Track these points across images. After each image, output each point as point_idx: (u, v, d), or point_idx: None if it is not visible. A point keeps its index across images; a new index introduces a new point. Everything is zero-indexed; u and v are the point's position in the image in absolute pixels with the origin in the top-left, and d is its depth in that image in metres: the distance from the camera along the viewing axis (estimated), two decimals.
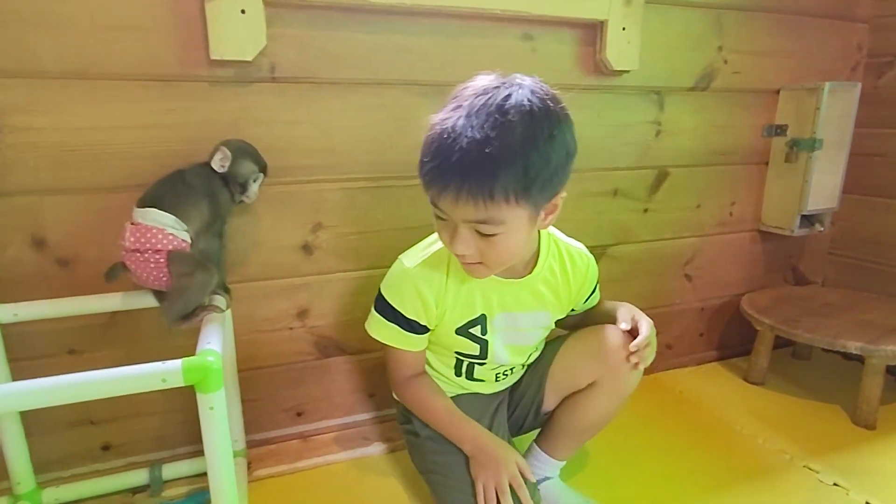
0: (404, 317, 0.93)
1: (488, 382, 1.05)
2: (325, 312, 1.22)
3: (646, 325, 0.94)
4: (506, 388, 1.10)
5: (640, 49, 1.30)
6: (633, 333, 0.94)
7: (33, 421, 1.02)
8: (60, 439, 1.09)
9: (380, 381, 1.32)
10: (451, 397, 1.01)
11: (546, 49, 1.25)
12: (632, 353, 0.92)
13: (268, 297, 1.16)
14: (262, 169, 0.99)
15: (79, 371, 0.67)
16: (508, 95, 0.74)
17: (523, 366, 1.08)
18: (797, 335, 1.39)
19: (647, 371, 1.58)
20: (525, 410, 1.09)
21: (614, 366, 0.95)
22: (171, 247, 0.87)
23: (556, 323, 1.06)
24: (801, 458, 1.22)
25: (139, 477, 1.08)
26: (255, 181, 0.98)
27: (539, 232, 0.94)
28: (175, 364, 0.68)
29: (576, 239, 1.04)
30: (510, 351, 1.00)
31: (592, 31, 1.27)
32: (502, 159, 0.72)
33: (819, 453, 1.23)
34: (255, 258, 1.13)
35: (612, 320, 0.99)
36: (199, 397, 0.70)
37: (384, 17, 1.10)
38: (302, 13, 1.03)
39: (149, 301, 0.95)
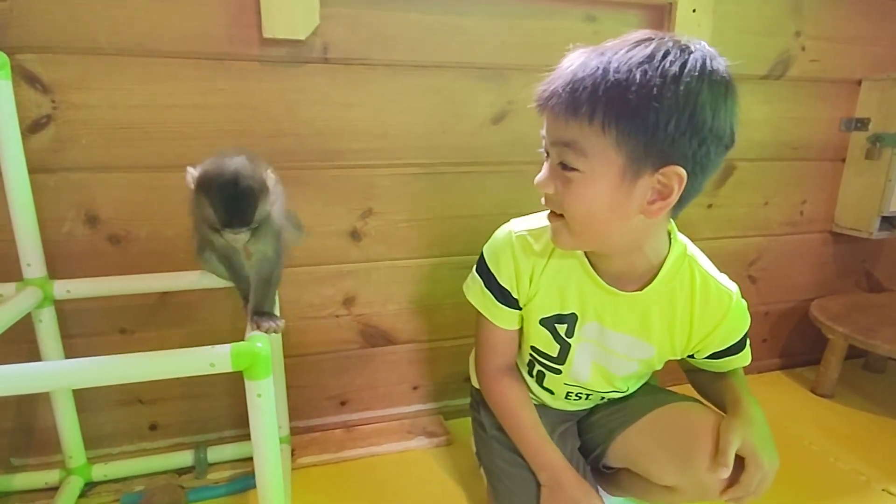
0: (498, 283, 0.85)
1: (557, 397, 0.94)
2: (371, 301, 1.19)
3: (754, 471, 0.70)
4: (575, 412, 0.98)
5: (711, 33, 1.21)
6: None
7: (85, 397, 1.03)
8: (110, 417, 1.10)
9: (425, 373, 1.29)
10: None
11: (610, 31, 1.15)
12: (727, 491, 0.72)
13: (314, 283, 1.14)
14: (225, 225, 0.68)
15: (129, 350, 0.66)
16: (674, 58, 0.61)
17: (602, 398, 0.94)
18: (876, 346, 1.28)
19: None
20: (584, 452, 0.95)
21: (698, 485, 0.75)
22: None
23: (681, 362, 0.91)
24: (879, 480, 1.12)
25: (185, 458, 1.08)
26: (219, 234, 0.70)
27: (671, 241, 0.78)
28: (224, 349, 0.66)
29: None
30: (594, 370, 0.87)
31: (660, 13, 1.19)
32: (608, 81, 0.61)
33: None
34: (305, 243, 1.11)
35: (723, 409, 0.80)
36: (248, 384, 0.68)
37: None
38: None
39: (198, 282, 0.94)
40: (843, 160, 1.47)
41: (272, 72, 1.00)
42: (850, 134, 1.45)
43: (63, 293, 0.92)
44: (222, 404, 1.15)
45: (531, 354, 0.91)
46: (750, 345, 0.86)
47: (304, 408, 1.21)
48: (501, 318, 0.88)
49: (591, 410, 0.99)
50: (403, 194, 1.14)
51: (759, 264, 1.49)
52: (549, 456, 0.85)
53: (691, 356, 0.87)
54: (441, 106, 1.11)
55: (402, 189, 1.14)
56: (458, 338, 1.28)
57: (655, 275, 0.77)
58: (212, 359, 0.66)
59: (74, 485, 1.01)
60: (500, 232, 0.86)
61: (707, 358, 0.85)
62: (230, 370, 0.66)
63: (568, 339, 0.85)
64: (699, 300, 0.79)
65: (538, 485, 0.85)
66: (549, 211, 0.75)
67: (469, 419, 1.09)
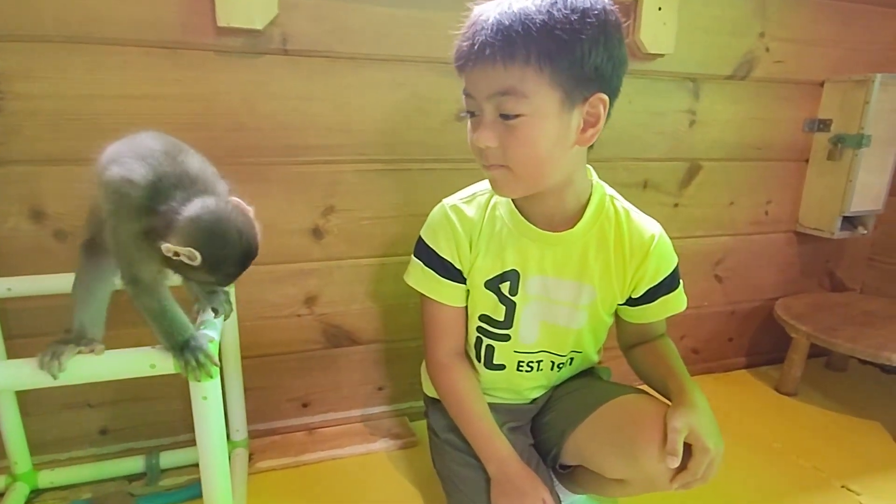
0: (439, 256, 0.86)
1: (509, 371, 0.91)
2: (334, 300, 1.17)
3: (701, 456, 0.71)
4: (526, 407, 0.97)
5: (676, 31, 1.21)
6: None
7: (30, 401, 0.99)
8: (57, 421, 1.06)
9: (389, 373, 1.27)
10: None
11: None
12: (676, 477, 0.73)
13: (275, 282, 1.11)
14: (225, 284, 0.67)
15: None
16: None
17: (554, 366, 0.92)
18: (837, 345, 1.30)
19: None
20: (541, 453, 0.94)
21: (646, 476, 0.75)
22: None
23: (618, 331, 0.95)
24: (839, 477, 1.13)
25: (136, 464, 1.04)
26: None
27: (592, 183, 0.84)
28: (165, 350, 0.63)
29: None
30: (542, 330, 0.88)
31: (625, 10, 1.19)
32: (535, 23, 0.64)
33: (859, 472, 1.14)
34: (264, 240, 1.07)
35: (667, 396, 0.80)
36: (192, 386, 0.65)
37: None
38: None
39: None
40: (807, 161, 1.50)
41: (228, 62, 0.97)
42: (812, 135, 1.47)
43: (3, 291, 0.88)
44: (176, 407, 1.10)
45: (479, 328, 0.90)
46: (684, 288, 0.90)
47: (264, 410, 1.18)
48: (446, 293, 0.88)
49: (543, 410, 0.97)
50: (367, 191, 1.12)
51: (725, 264, 1.50)
52: (496, 447, 0.85)
53: (630, 302, 0.88)
54: (406, 101, 1.09)
55: (366, 186, 1.11)
56: (422, 337, 1.26)
57: (583, 213, 0.82)
58: (152, 360, 0.63)
59: (20, 492, 0.96)
60: (434, 210, 0.89)
61: (643, 300, 0.87)
62: (172, 371, 0.63)
63: (512, 298, 0.86)
64: (627, 233, 0.84)
65: (489, 480, 0.85)
66: (480, 186, 0.86)
67: None
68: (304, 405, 1.22)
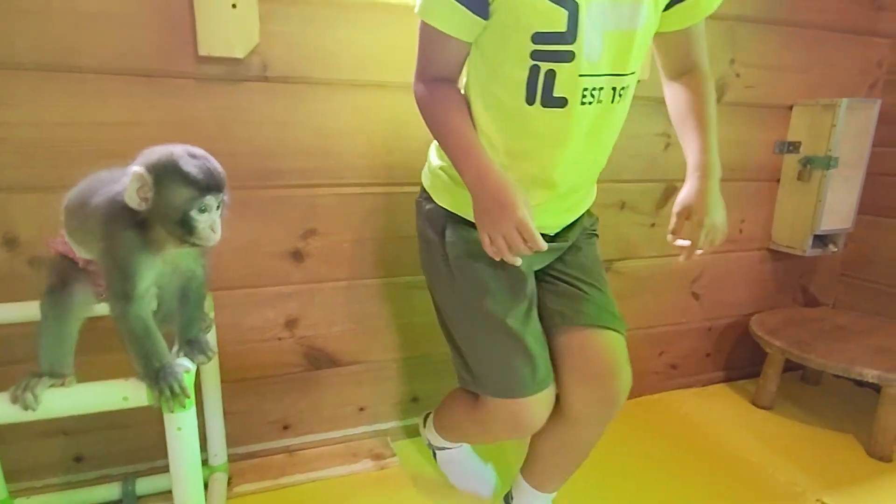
0: None
1: (571, 108, 0.77)
2: (315, 322, 1.17)
3: (697, 227, 0.83)
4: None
5: (650, 57, 1.24)
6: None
7: (5, 428, 0.97)
8: (32, 448, 1.04)
9: (371, 394, 1.27)
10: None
11: None
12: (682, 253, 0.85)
13: (255, 306, 1.11)
14: (208, 188, 0.64)
15: None
16: None
17: (615, 95, 0.80)
18: (810, 360, 1.33)
19: (651, 391, 1.55)
20: None
21: (601, 400, 0.84)
22: (59, 247, 0.74)
23: (662, 58, 0.89)
24: (815, 490, 1.16)
25: (112, 491, 1.03)
26: (201, 211, 0.64)
27: None
28: (138, 381, 0.63)
29: None
30: (606, 42, 0.74)
31: None
32: None
33: (833, 486, 1.17)
34: (243, 264, 1.08)
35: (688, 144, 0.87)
36: (166, 417, 0.65)
37: (382, 14, 1.05)
38: (296, 9, 0.99)
39: None
40: (779, 181, 1.54)
41: (208, 89, 0.97)
42: (783, 156, 1.51)
43: None
44: (152, 432, 1.09)
45: (534, 53, 0.75)
46: None
47: (244, 434, 1.17)
48: (458, 21, 0.74)
49: (550, 270, 0.92)
50: (347, 214, 1.13)
51: (701, 281, 1.53)
52: (472, 157, 0.77)
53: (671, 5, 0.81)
54: (384, 125, 1.11)
55: (346, 209, 1.12)
56: (404, 358, 1.27)
57: None
58: (125, 392, 0.63)
59: None
60: None
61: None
62: (145, 404, 0.63)
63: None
64: None
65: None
66: None
67: (417, 440, 1.09)
68: (285, 427, 1.21)
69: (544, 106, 0.77)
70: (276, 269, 1.11)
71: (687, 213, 0.83)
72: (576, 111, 0.77)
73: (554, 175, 0.83)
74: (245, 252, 1.07)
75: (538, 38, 0.73)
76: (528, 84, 0.76)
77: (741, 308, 1.61)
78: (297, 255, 1.12)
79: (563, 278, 0.92)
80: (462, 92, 0.85)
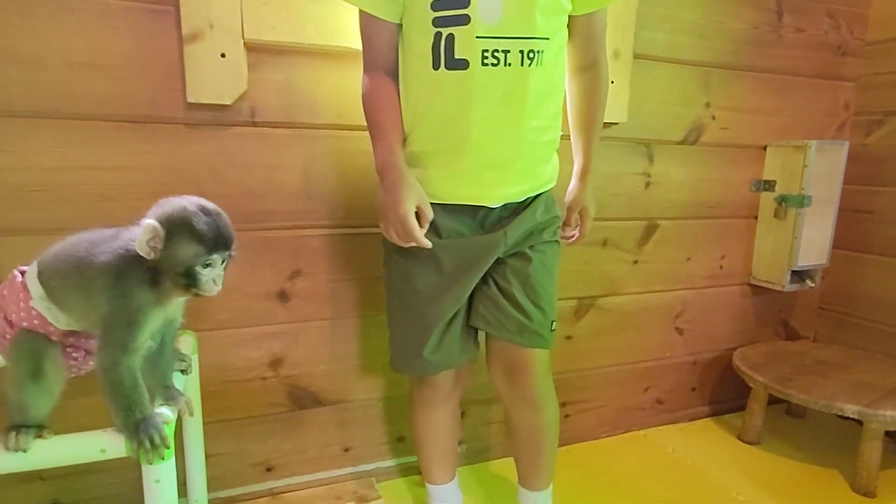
0: None
1: (473, 70, 0.80)
2: (299, 362, 1.17)
3: (586, 220, 1.05)
4: (493, 214, 0.92)
5: (628, 102, 1.29)
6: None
7: None
8: (9, 495, 1.02)
9: (356, 434, 1.26)
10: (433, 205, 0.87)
11: None
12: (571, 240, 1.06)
13: (239, 346, 1.11)
14: (216, 247, 0.67)
15: None
16: None
17: (524, 59, 0.81)
18: (792, 395, 1.34)
19: (639, 427, 1.55)
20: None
21: (522, 402, 1.00)
22: (24, 323, 0.69)
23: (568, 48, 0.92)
24: None
25: None
26: (205, 266, 0.67)
27: None
28: (116, 432, 0.63)
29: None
30: (507, 3, 0.79)
31: None
32: None
33: None
34: (228, 305, 1.09)
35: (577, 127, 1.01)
36: (144, 469, 0.64)
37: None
38: (284, 58, 1.02)
39: None
40: (756, 217, 1.58)
41: (198, 134, 0.99)
42: (759, 194, 1.56)
43: None
44: (130, 477, 1.07)
45: (435, 20, 0.80)
46: None
47: (226, 476, 1.15)
48: (380, 4, 0.82)
49: (485, 285, 0.96)
50: (333, 254, 1.14)
51: (684, 316, 1.55)
52: (388, 151, 0.85)
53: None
54: (368, 168, 1.12)
55: (331, 249, 1.14)
56: (389, 397, 1.27)
57: None
58: (103, 444, 0.62)
59: None
60: None
61: None
62: (123, 455, 0.63)
63: None
64: None
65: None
66: None
67: (401, 480, 1.11)
68: (268, 469, 1.20)
69: (448, 68, 0.82)
70: (262, 309, 1.11)
71: (578, 209, 1.04)
72: (478, 72, 0.81)
73: (473, 139, 0.85)
74: (232, 293, 1.08)
75: (436, 5, 0.80)
76: (433, 50, 0.81)
77: (724, 342, 1.63)
78: (283, 296, 1.12)
79: (502, 285, 0.94)
80: (391, 82, 0.88)
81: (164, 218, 0.65)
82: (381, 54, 0.87)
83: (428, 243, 0.84)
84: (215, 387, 1.10)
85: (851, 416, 1.26)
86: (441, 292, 0.92)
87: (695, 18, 1.37)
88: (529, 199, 0.93)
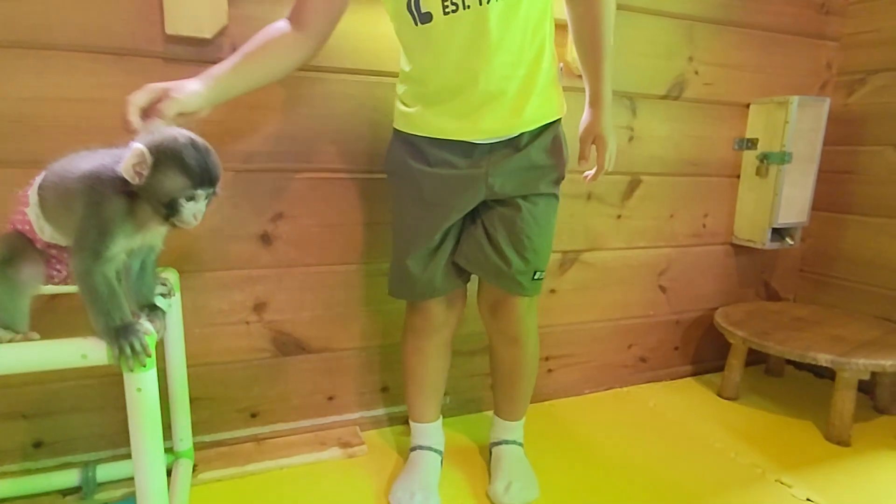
0: None
1: (436, 24, 0.85)
2: (283, 307, 1.17)
3: (603, 151, 1.02)
4: (482, 148, 0.93)
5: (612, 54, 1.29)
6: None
7: None
8: None
9: (340, 382, 1.27)
10: (420, 135, 0.94)
11: None
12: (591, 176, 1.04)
13: (222, 288, 1.11)
14: (202, 182, 0.68)
15: None
16: None
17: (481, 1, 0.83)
18: (769, 347, 1.37)
19: (622, 384, 1.57)
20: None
21: (503, 336, 1.06)
22: (18, 226, 0.73)
23: None
24: (774, 472, 1.18)
25: (71, 477, 1.01)
26: (188, 200, 0.67)
27: None
28: (97, 340, 0.63)
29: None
30: None
31: (562, 32, 1.27)
32: None
33: (792, 468, 1.20)
34: (210, 246, 1.08)
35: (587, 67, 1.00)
36: (126, 377, 0.65)
37: (354, 2, 1.07)
38: None
39: None
40: (739, 176, 1.60)
41: (176, 69, 0.98)
42: (742, 153, 1.58)
43: None
44: (116, 418, 1.08)
45: None
46: None
47: (211, 421, 1.16)
48: None
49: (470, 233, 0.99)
50: (316, 199, 1.14)
51: (668, 274, 1.57)
52: (218, 66, 0.84)
53: None
54: (355, 113, 1.13)
55: (315, 193, 1.14)
56: (374, 346, 1.27)
57: None
58: (83, 349, 0.62)
59: None
60: None
61: None
62: (105, 362, 0.63)
63: None
64: None
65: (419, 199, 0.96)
66: None
67: (385, 429, 1.16)
68: (253, 415, 1.21)
69: (421, 23, 0.86)
70: (245, 251, 1.11)
71: (592, 139, 1.01)
72: (441, 21, 0.85)
73: (450, 81, 0.89)
74: (213, 234, 1.08)
75: None
76: (408, 9, 0.86)
77: (707, 301, 1.66)
78: (266, 238, 1.12)
79: (488, 230, 0.98)
80: (290, 36, 0.88)
81: (154, 146, 0.65)
82: (301, 11, 0.88)
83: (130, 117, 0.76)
84: (199, 329, 1.10)
85: (824, 365, 1.29)
86: (420, 218, 0.96)
87: None
88: (526, 138, 0.94)
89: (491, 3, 0.83)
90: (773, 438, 1.33)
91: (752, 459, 1.23)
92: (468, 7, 0.83)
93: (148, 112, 0.77)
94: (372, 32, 1.10)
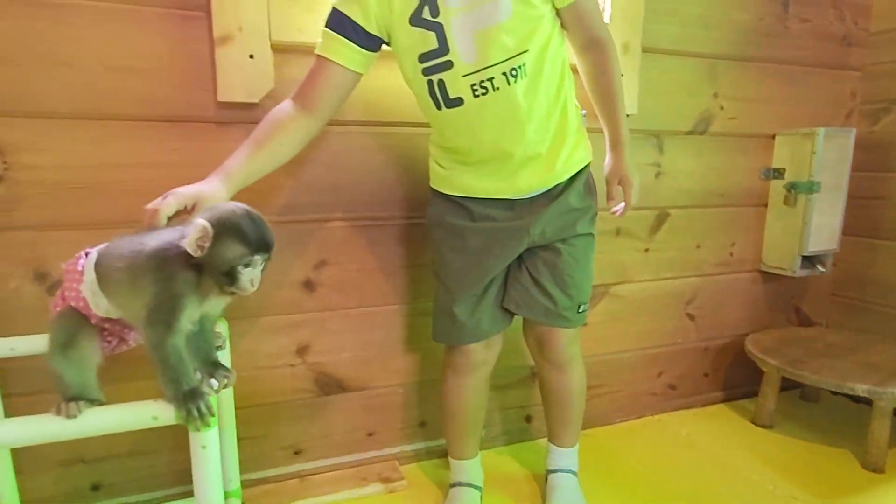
0: (349, 21, 0.88)
1: (468, 104, 0.90)
2: (325, 349, 1.21)
3: (629, 189, 1.05)
4: (524, 201, 0.99)
5: (638, 94, 1.33)
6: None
7: (24, 458, 1.01)
8: (51, 478, 1.07)
9: (379, 419, 1.30)
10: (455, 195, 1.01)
11: None
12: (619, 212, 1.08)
13: (269, 333, 1.16)
14: (259, 249, 0.72)
15: None
16: None
17: (508, 78, 0.88)
18: (804, 377, 1.37)
19: (652, 412, 1.58)
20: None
21: (551, 365, 1.12)
22: (72, 302, 0.76)
23: (567, 33, 0.97)
24: (811, 503, 1.19)
25: None
26: (246, 266, 0.72)
27: None
28: (165, 402, 0.68)
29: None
30: (478, 40, 0.87)
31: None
32: None
33: (829, 498, 1.20)
34: (257, 294, 1.11)
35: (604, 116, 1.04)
36: (191, 435, 0.69)
37: (391, 61, 1.13)
38: (308, 58, 1.06)
39: None
40: (766, 205, 1.61)
41: (228, 131, 1.04)
42: (769, 182, 1.59)
43: (6, 351, 0.90)
44: (170, 460, 1.13)
45: (424, 70, 0.91)
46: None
47: (257, 459, 1.20)
48: (335, 48, 0.90)
49: (518, 269, 1.06)
50: (357, 245, 1.19)
51: (695, 303, 1.59)
52: (234, 160, 0.88)
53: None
54: (393, 162, 1.18)
55: (355, 240, 1.19)
56: (412, 382, 1.31)
57: None
58: (154, 412, 0.67)
59: None
60: None
61: None
62: (173, 422, 0.68)
63: (436, 20, 0.86)
64: None
65: (464, 266, 1.02)
66: None
67: (424, 463, 1.17)
68: (296, 452, 1.25)
69: (449, 108, 0.92)
70: (289, 297, 1.16)
71: (618, 180, 1.05)
72: (474, 104, 0.90)
73: (489, 151, 0.95)
74: (262, 283, 1.12)
75: (423, 57, 0.90)
76: (430, 95, 0.93)
77: (736, 328, 1.66)
78: (309, 285, 1.17)
79: (533, 274, 1.04)
80: (298, 120, 0.92)
81: (215, 219, 0.71)
82: (310, 88, 0.92)
83: (158, 210, 0.79)
84: (247, 373, 1.15)
85: (862, 395, 1.29)
86: (465, 269, 1.02)
87: (701, 11, 1.40)
88: (561, 186, 1.00)
89: (517, 80, 0.89)
90: (809, 468, 1.32)
91: (790, 492, 1.23)
92: (497, 89, 0.89)
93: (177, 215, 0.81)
94: (407, 89, 1.15)
